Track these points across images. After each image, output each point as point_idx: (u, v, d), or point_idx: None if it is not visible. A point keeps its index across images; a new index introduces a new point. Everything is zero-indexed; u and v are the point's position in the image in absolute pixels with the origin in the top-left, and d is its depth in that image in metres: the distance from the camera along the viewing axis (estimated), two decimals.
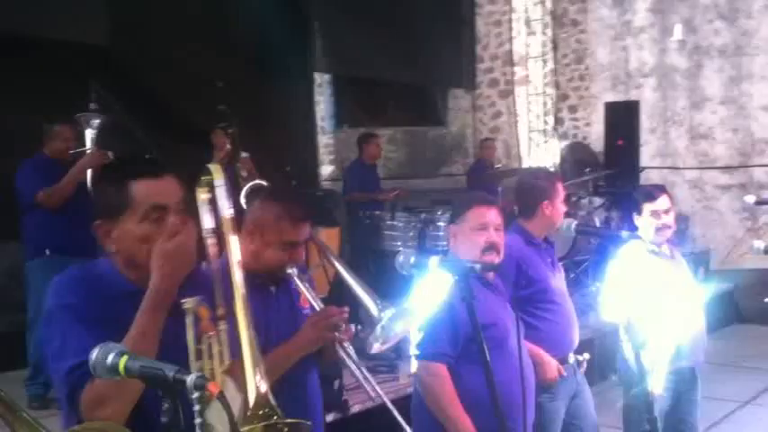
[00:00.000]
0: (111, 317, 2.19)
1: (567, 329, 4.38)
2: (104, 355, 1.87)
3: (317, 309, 2.97)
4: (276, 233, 2.98)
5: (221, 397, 1.72)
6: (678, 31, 12.58)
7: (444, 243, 8.91)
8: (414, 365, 3.28)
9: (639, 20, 13.00)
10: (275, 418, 2.29)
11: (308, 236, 3.10)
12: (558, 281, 4.44)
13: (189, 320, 2.26)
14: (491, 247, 3.67)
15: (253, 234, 3.02)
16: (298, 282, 2.97)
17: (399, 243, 8.96)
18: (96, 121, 6.55)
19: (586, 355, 4.45)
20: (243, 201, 3.43)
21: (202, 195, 2.61)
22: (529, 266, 4.27)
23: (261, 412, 2.27)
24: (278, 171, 8.43)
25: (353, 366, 2.94)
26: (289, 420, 2.34)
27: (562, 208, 4.46)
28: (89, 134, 6.51)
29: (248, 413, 2.27)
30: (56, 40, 7.59)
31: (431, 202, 9.86)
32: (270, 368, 2.81)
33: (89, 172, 6.21)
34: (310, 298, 2.97)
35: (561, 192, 4.48)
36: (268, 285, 3.06)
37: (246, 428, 2.24)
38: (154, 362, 1.86)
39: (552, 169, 5.35)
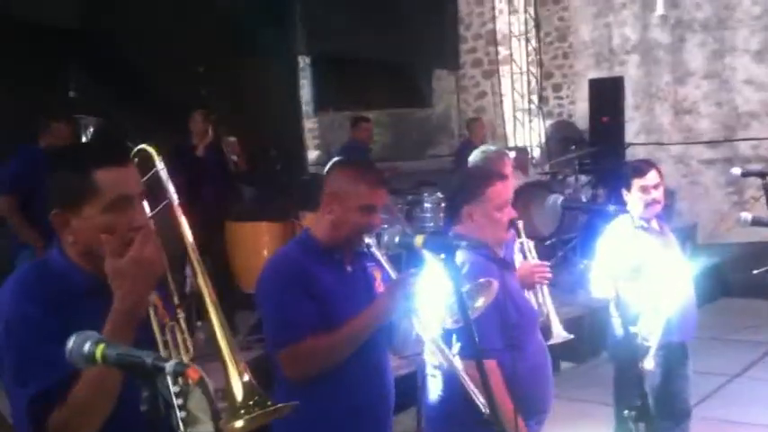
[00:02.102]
0: (74, 319, 2.00)
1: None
2: (81, 343, 1.80)
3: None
4: (354, 198, 2.97)
5: (202, 383, 1.67)
6: (660, 6, 12.54)
7: (431, 224, 8.90)
8: (459, 364, 3.13)
9: None
10: (269, 403, 2.25)
11: (385, 201, 3.12)
12: None
13: (151, 311, 2.19)
14: (510, 224, 3.62)
15: (331, 203, 3.02)
16: (377, 252, 2.94)
17: (386, 226, 8.90)
18: (93, 125, 6.57)
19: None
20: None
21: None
22: None
23: (252, 401, 2.22)
24: (262, 155, 8.37)
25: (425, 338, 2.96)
26: (281, 405, 2.30)
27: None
28: (85, 137, 6.55)
29: (237, 405, 2.21)
30: (30, 23, 7.48)
31: (417, 184, 9.81)
32: (346, 339, 2.88)
33: None
34: (388, 267, 2.94)
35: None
36: (344, 264, 3.06)
37: (247, 418, 2.19)
38: (132, 349, 1.80)
39: (511, 155, 5.03)
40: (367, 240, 2.94)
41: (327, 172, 3.27)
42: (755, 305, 9.29)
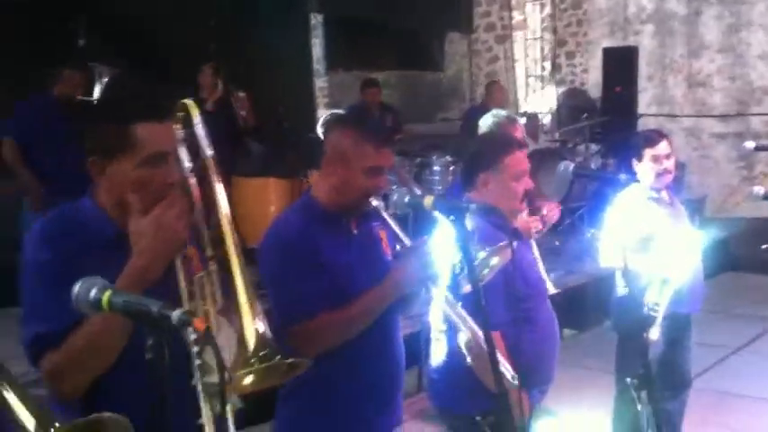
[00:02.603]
0: (91, 267, 2.00)
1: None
2: (87, 289, 1.81)
3: (406, 243, 2.82)
4: (359, 159, 2.78)
5: (208, 335, 1.66)
6: None
7: (440, 188, 8.87)
8: (463, 337, 3.09)
9: None
10: (278, 358, 2.22)
11: (392, 162, 2.94)
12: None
13: (178, 261, 2.19)
14: (526, 195, 3.52)
15: (334, 165, 2.84)
16: (385, 214, 2.83)
17: (395, 187, 8.89)
18: (108, 74, 6.58)
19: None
20: (320, 133, 3.29)
21: (178, 132, 2.45)
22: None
23: (261, 353, 2.19)
24: (271, 112, 8.34)
25: (448, 307, 2.88)
26: (290, 360, 2.27)
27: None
28: (98, 86, 6.56)
29: (248, 355, 2.18)
30: None
31: (426, 147, 9.77)
32: (362, 314, 2.74)
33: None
34: (399, 232, 2.83)
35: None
36: (350, 227, 2.91)
37: (246, 370, 2.17)
38: (138, 297, 1.80)
39: (521, 122, 4.93)
40: (375, 203, 2.81)
41: (327, 130, 3.07)
42: (761, 280, 9.32)
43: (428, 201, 2.68)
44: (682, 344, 4.74)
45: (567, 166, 4.30)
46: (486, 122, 5.23)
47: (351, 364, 2.80)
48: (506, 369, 2.86)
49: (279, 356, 2.22)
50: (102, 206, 2.27)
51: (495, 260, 2.95)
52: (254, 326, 2.21)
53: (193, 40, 8.20)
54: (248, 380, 2.19)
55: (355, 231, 2.93)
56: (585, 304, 7.65)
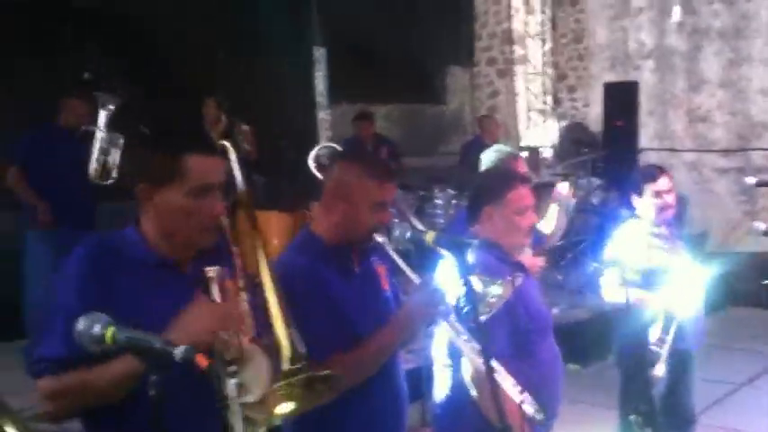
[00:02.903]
0: (123, 292, 2.18)
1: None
2: (90, 325, 1.82)
3: (414, 280, 2.80)
4: (362, 194, 2.78)
5: (211, 371, 1.66)
6: (677, 13, 12.48)
7: (442, 221, 8.88)
8: (468, 370, 3.08)
9: (638, 0, 12.88)
10: (311, 372, 2.26)
11: (394, 196, 2.93)
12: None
13: (215, 290, 2.25)
14: (530, 230, 3.51)
15: (337, 201, 2.82)
16: (390, 251, 2.80)
17: (397, 221, 8.88)
18: (112, 105, 6.59)
19: None
20: (312, 165, 3.31)
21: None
22: None
23: (297, 366, 2.24)
24: (274, 145, 8.35)
25: (456, 336, 2.85)
26: (324, 373, 2.30)
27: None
28: (103, 115, 6.57)
29: (284, 368, 2.23)
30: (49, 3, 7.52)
31: (428, 180, 9.78)
32: (373, 356, 2.70)
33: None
34: (406, 269, 2.80)
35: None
36: (352, 264, 2.88)
37: (284, 382, 2.21)
38: (141, 333, 1.80)
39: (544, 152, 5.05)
40: (380, 239, 2.78)
41: (329, 164, 3.05)
42: (762, 315, 9.28)
43: (430, 237, 2.68)
44: (685, 380, 4.71)
45: (569, 203, 4.32)
46: (488, 158, 5.24)
47: (355, 401, 2.74)
48: (528, 404, 2.83)
49: (312, 371, 2.25)
50: (145, 234, 2.34)
51: (497, 290, 2.92)
52: (288, 337, 2.27)
53: (199, 72, 8.24)
54: (283, 395, 2.21)
55: (357, 269, 2.91)
56: (588, 339, 7.62)
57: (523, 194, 3.47)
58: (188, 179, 2.28)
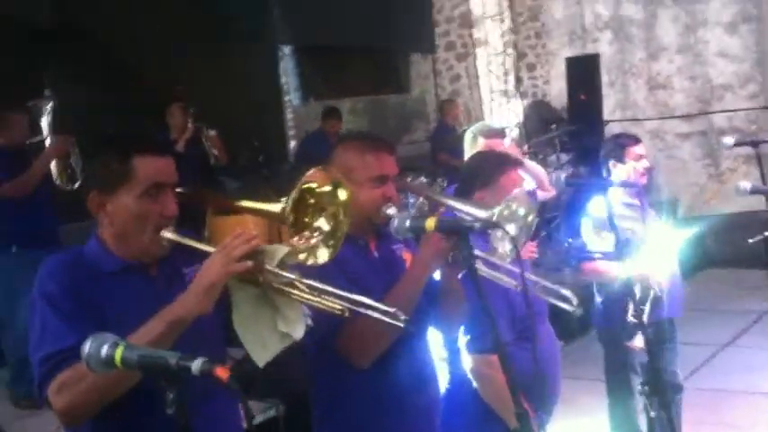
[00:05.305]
0: (95, 300, 2.19)
1: None
2: (98, 347, 1.76)
3: None
4: (363, 170, 2.78)
5: (231, 382, 1.64)
6: None
7: (414, 210, 8.83)
8: (467, 359, 3.08)
9: None
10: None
11: (396, 170, 2.88)
12: None
13: None
14: None
15: None
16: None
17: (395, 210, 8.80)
18: (48, 107, 6.31)
19: None
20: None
21: None
22: None
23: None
24: (244, 147, 8.30)
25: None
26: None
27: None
28: (45, 121, 6.30)
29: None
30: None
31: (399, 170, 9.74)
32: (403, 296, 2.61)
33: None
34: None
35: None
36: (369, 248, 2.87)
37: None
38: (153, 350, 1.78)
39: (512, 132, 4.95)
40: (389, 212, 2.73)
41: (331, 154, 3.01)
42: (739, 275, 9.40)
43: (430, 223, 2.58)
44: (668, 348, 4.74)
45: (559, 176, 4.33)
46: (467, 137, 5.12)
47: (368, 378, 2.73)
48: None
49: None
50: (105, 243, 2.33)
51: (521, 210, 2.86)
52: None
53: (162, 80, 8.15)
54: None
55: (376, 254, 2.90)
56: (569, 315, 7.65)
57: (514, 178, 3.46)
58: (138, 181, 2.26)
